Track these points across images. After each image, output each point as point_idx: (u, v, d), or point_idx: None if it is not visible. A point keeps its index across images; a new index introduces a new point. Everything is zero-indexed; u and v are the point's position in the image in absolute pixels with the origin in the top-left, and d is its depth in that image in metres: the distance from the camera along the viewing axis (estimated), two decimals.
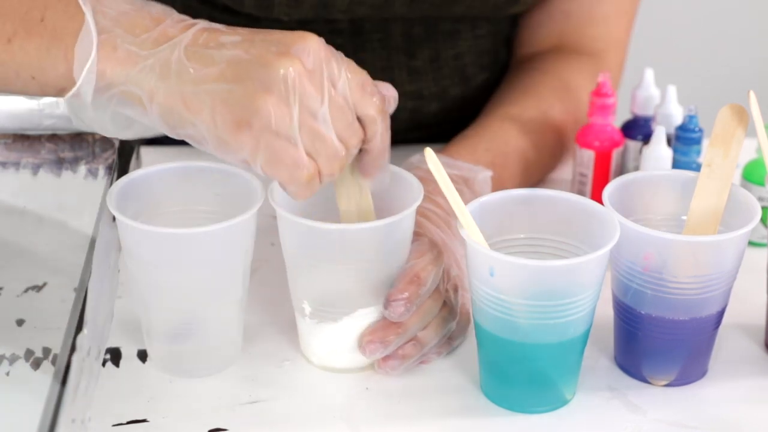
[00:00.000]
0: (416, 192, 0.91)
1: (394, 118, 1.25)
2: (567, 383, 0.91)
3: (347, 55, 1.20)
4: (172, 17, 0.86)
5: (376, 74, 1.21)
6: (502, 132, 1.12)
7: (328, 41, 1.21)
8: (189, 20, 0.86)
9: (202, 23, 0.86)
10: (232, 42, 0.84)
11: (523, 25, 1.27)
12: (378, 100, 0.87)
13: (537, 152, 1.14)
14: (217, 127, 0.83)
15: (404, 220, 0.89)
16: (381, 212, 0.91)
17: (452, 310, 0.94)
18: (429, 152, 0.87)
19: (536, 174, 1.15)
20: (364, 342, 0.91)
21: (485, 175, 1.05)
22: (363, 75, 0.87)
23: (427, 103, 1.25)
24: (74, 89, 0.85)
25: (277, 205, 0.89)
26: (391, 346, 0.91)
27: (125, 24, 0.85)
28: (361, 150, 0.88)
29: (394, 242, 0.90)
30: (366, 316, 0.91)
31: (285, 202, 0.89)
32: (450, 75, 1.24)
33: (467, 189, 1.03)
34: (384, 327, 0.91)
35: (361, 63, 1.21)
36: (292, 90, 0.82)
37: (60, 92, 0.86)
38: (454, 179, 1.01)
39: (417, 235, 0.95)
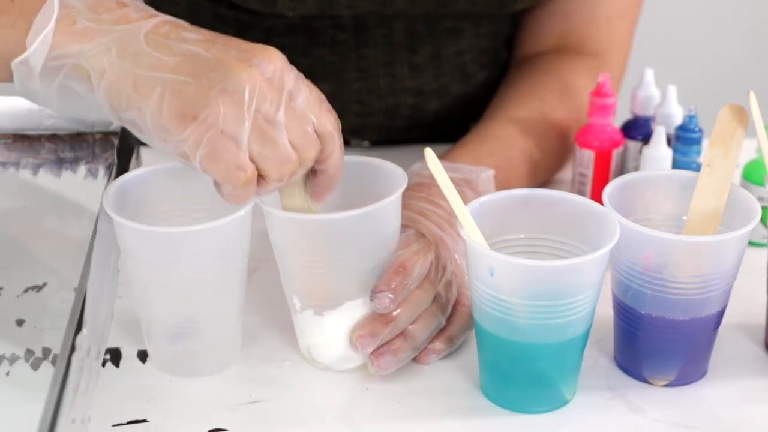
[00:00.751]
0: (400, 180, 0.91)
1: (396, 116, 1.26)
2: (567, 383, 0.91)
3: (350, 50, 1.21)
4: (136, 5, 0.86)
5: (379, 69, 1.23)
6: (505, 135, 1.12)
7: (332, 37, 1.21)
8: (152, 11, 0.86)
9: (165, 16, 0.86)
10: (193, 39, 0.84)
11: (525, 24, 1.27)
12: (335, 118, 0.87)
13: (541, 154, 1.14)
14: (162, 115, 0.82)
15: (387, 209, 0.89)
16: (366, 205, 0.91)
17: (443, 305, 0.94)
18: (429, 152, 0.87)
19: (541, 176, 1.15)
20: (355, 337, 0.91)
21: (488, 174, 1.05)
22: (321, 93, 0.87)
23: (428, 99, 1.25)
24: (23, 56, 0.84)
25: (263, 202, 0.89)
26: (382, 338, 0.91)
27: (90, 2, 0.85)
28: (316, 171, 0.88)
29: (376, 233, 0.90)
30: (355, 309, 0.91)
31: (273, 199, 0.90)
32: (451, 72, 1.25)
33: (470, 190, 1.03)
34: (373, 320, 0.91)
35: (363, 58, 1.22)
36: (250, 95, 0.82)
37: (10, 59, 0.85)
38: (456, 182, 1.01)
39: (405, 228, 0.95)
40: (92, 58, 0.83)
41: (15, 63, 0.84)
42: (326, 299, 0.91)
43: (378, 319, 0.91)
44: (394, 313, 0.91)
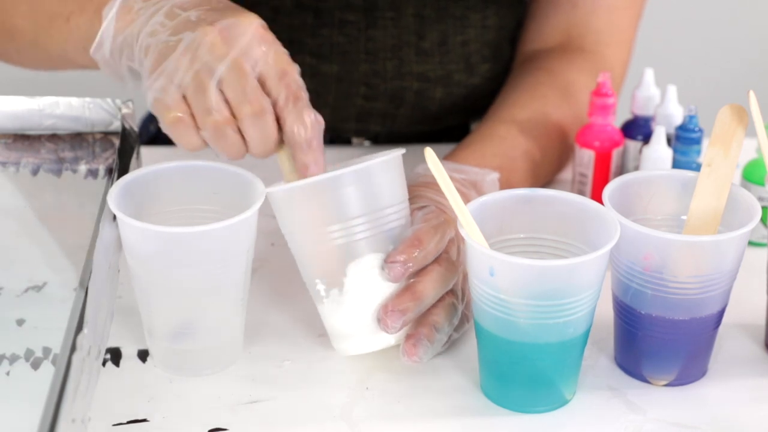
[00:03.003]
0: (397, 151, 0.92)
1: (401, 102, 1.26)
2: (567, 383, 0.91)
3: (358, 31, 1.22)
4: None
5: (387, 52, 1.24)
6: (510, 137, 1.12)
7: (341, 17, 1.23)
8: None
9: None
10: (203, 8, 0.92)
11: (530, 17, 1.27)
12: (296, 90, 0.90)
13: (544, 155, 1.14)
14: (144, 67, 0.93)
15: (385, 166, 0.90)
16: None
17: (460, 297, 0.94)
18: (429, 152, 0.87)
19: (544, 177, 1.15)
20: (383, 313, 0.90)
21: (493, 177, 1.05)
22: (289, 66, 0.90)
23: (433, 86, 1.26)
24: (93, 45, 0.96)
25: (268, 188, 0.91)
26: (410, 314, 0.90)
27: None
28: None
29: (378, 193, 0.90)
30: (377, 278, 0.91)
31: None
32: (456, 60, 1.26)
33: (475, 193, 1.03)
34: (399, 295, 0.90)
35: (372, 40, 1.23)
36: (197, 48, 0.89)
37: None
38: (462, 183, 1.02)
39: (425, 206, 0.95)
40: (131, 37, 0.94)
41: (92, 52, 0.97)
42: (350, 267, 0.91)
43: (404, 294, 0.90)
44: (420, 288, 0.90)
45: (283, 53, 0.90)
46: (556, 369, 0.89)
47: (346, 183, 0.89)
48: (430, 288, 0.91)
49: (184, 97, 0.90)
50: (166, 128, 0.91)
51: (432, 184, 0.99)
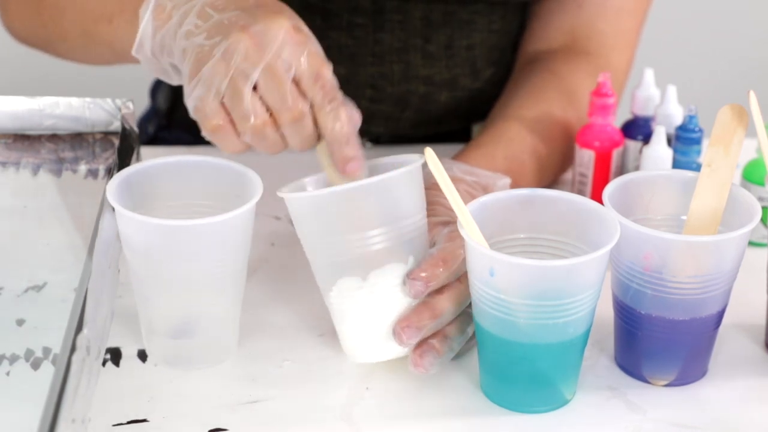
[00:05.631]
0: (416, 157, 0.91)
1: (406, 105, 1.27)
2: (567, 383, 0.91)
3: (366, 34, 1.23)
4: None
5: (393, 55, 1.24)
6: (518, 138, 1.12)
7: (349, 20, 1.23)
8: None
9: None
10: (235, 10, 0.92)
11: (535, 17, 1.27)
12: (331, 90, 0.90)
13: (550, 157, 1.14)
14: (183, 72, 0.93)
15: (403, 178, 0.89)
16: None
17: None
18: (429, 152, 0.87)
19: (547, 179, 1.16)
20: (400, 328, 0.90)
21: (504, 182, 1.05)
22: (322, 67, 0.91)
23: (438, 90, 1.26)
24: (135, 45, 0.97)
25: (281, 192, 0.91)
26: (426, 331, 0.90)
27: None
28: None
29: (393, 202, 0.90)
30: (391, 290, 0.90)
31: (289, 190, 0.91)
32: (461, 64, 1.26)
33: None
34: (418, 312, 0.90)
35: (379, 43, 1.23)
36: (231, 54, 0.89)
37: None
38: (473, 186, 1.02)
39: (449, 222, 0.95)
40: (168, 36, 0.95)
41: (133, 52, 0.98)
42: (367, 272, 0.90)
43: (424, 311, 0.90)
44: (440, 306, 0.90)
45: (316, 53, 0.91)
46: (556, 369, 0.89)
47: (369, 193, 0.89)
48: (450, 305, 0.91)
49: (223, 104, 0.90)
50: (207, 135, 0.92)
51: (435, 188, 0.99)
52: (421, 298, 0.91)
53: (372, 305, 0.91)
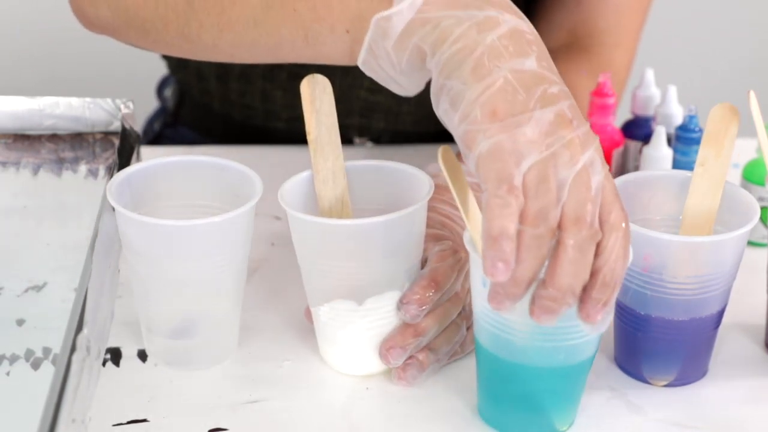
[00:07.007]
0: (427, 187, 0.90)
1: (404, 97, 1.26)
2: (560, 413, 0.88)
3: None
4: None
5: None
6: None
7: None
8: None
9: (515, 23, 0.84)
10: (535, 60, 0.82)
11: (535, 16, 1.27)
12: (625, 214, 0.81)
13: None
14: (478, 101, 0.81)
15: (414, 215, 0.89)
16: (390, 209, 0.90)
17: (467, 316, 0.93)
18: (446, 149, 0.84)
19: None
20: (385, 350, 0.91)
21: None
22: (617, 191, 0.82)
23: None
24: (390, 11, 0.84)
25: (286, 204, 0.89)
26: (411, 350, 0.91)
27: None
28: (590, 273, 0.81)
29: (402, 237, 0.89)
30: (379, 312, 0.91)
31: (294, 202, 0.90)
32: None
33: None
34: (402, 332, 0.91)
35: None
36: (553, 135, 0.79)
37: (370, 16, 0.86)
38: (473, 186, 1.01)
39: (441, 238, 0.95)
40: (450, 26, 0.83)
41: (378, 17, 0.84)
42: (356, 299, 0.90)
43: (407, 331, 0.91)
44: (423, 325, 0.91)
45: (607, 170, 0.81)
46: (550, 396, 0.86)
47: (377, 230, 0.88)
48: (433, 324, 0.91)
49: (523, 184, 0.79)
50: (491, 213, 0.78)
51: (445, 189, 0.98)
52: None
53: (364, 327, 0.91)
